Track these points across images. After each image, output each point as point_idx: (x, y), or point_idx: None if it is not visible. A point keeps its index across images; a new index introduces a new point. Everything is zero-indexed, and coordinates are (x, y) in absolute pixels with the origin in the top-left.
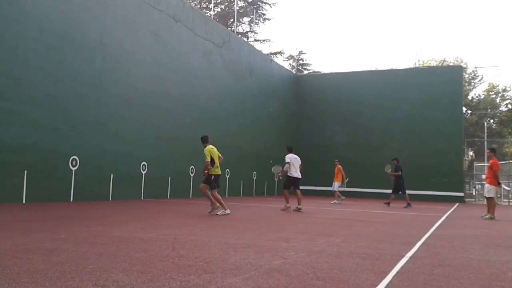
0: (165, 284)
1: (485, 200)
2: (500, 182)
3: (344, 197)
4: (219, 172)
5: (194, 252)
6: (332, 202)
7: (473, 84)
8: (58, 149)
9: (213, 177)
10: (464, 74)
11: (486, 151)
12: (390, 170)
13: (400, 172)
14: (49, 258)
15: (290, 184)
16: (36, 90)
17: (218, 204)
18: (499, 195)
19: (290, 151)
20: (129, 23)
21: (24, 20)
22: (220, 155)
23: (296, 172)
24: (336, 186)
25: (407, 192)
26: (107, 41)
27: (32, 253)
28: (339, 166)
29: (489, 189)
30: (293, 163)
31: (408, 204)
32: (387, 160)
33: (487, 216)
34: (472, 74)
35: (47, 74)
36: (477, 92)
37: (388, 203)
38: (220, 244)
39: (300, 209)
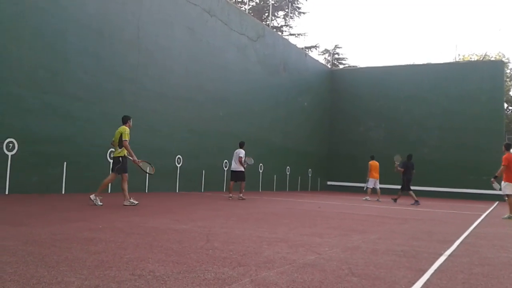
0: (200, 275)
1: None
2: None
3: (368, 198)
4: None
5: (228, 244)
6: (364, 198)
7: None
8: (95, 141)
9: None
10: (505, 69)
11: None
12: (397, 163)
13: (403, 170)
14: (87, 247)
15: (231, 177)
16: (74, 83)
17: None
18: None
19: (240, 146)
20: (164, 18)
21: (63, 15)
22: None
23: (233, 166)
24: (371, 183)
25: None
26: (143, 36)
27: (71, 242)
28: (371, 162)
29: (504, 186)
30: (233, 158)
31: (416, 201)
32: (425, 156)
33: (505, 216)
34: None
35: (84, 68)
36: None
37: (395, 199)
38: (253, 237)
39: (231, 197)
